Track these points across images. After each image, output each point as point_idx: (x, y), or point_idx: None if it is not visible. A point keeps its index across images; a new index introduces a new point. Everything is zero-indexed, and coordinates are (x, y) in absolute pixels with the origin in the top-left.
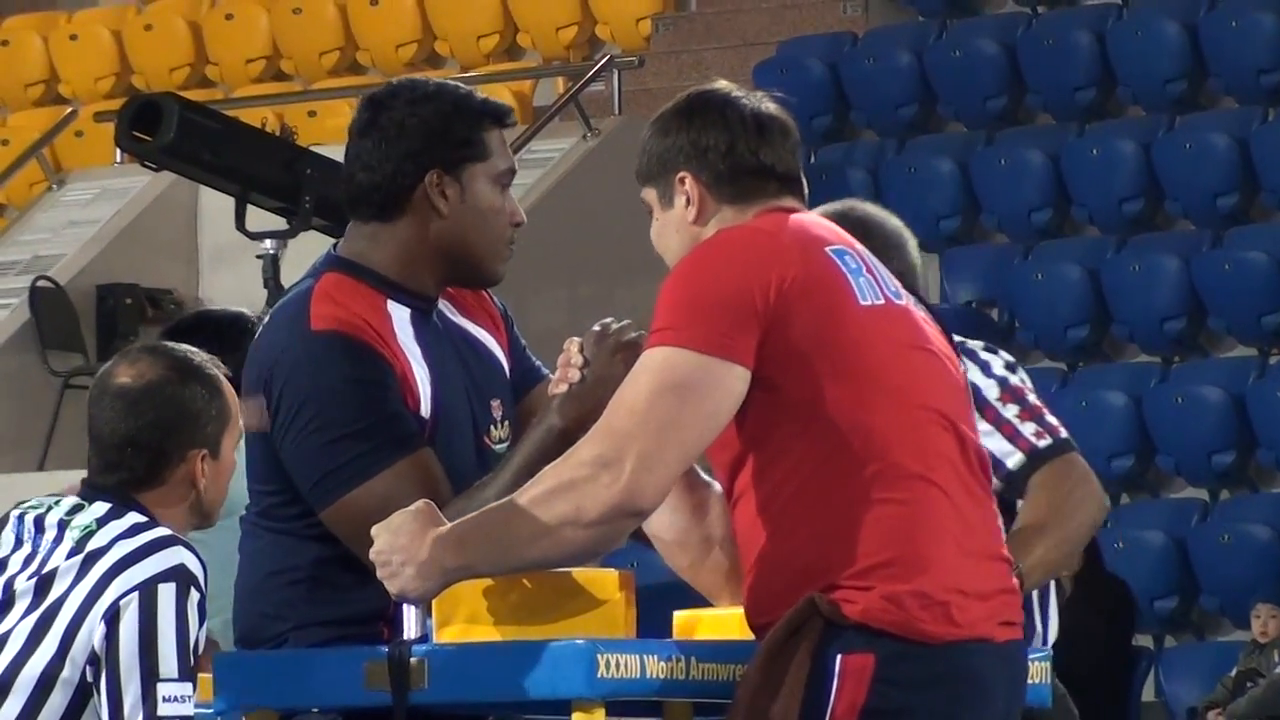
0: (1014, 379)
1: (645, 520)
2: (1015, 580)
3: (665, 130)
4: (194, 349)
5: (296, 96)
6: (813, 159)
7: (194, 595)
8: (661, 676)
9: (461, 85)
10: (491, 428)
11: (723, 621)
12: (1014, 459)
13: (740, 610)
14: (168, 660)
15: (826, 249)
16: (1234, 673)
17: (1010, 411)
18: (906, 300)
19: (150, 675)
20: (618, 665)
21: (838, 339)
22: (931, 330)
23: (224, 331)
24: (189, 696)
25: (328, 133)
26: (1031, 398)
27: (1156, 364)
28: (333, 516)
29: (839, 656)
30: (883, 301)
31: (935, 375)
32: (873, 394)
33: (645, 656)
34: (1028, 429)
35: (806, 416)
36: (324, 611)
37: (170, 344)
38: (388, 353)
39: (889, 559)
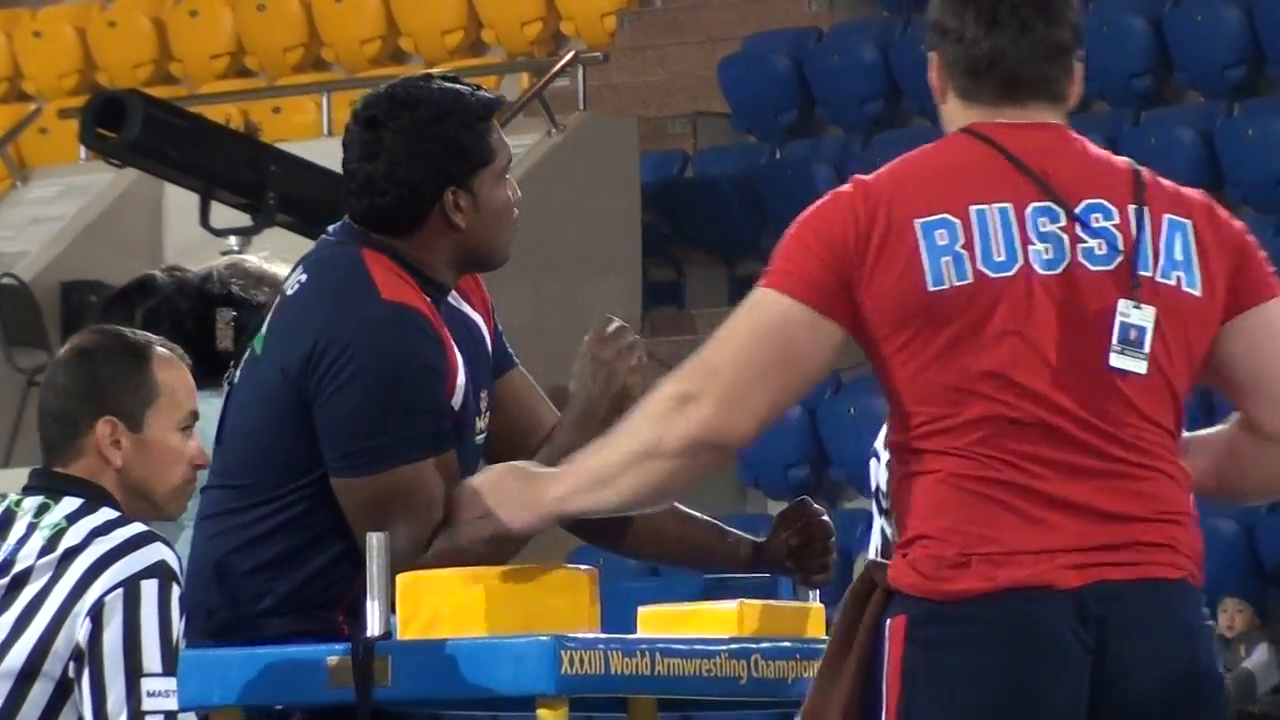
0: None
1: (728, 454)
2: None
3: (932, 3)
4: (149, 335)
5: (261, 93)
6: (778, 155)
7: (175, 590)
8: (626, 673)
9: (453, 85)
10: (477, 419)
11: (687, 617)
12: None
13: (704, 606)
14: (151, 656)
15: (918, 221)
16: None
17: None
18: (1076, 268)
19: (134, 671)
20: (582, 661)
21: (900, 325)
22: (1072, 302)
23: (125, 296)
24: (172, 691)
25: (292, 129)
26: None
27: None
28: (350, 487)
29: (886, 620)
30: (1007, 273)
31: (1013, 359)
32: (925, 378)
33: (609, 652)
34: None
35: (889, 395)
36: (285, 595)
37: (125, 330)
38: (444, 339)
39: (924, 530)
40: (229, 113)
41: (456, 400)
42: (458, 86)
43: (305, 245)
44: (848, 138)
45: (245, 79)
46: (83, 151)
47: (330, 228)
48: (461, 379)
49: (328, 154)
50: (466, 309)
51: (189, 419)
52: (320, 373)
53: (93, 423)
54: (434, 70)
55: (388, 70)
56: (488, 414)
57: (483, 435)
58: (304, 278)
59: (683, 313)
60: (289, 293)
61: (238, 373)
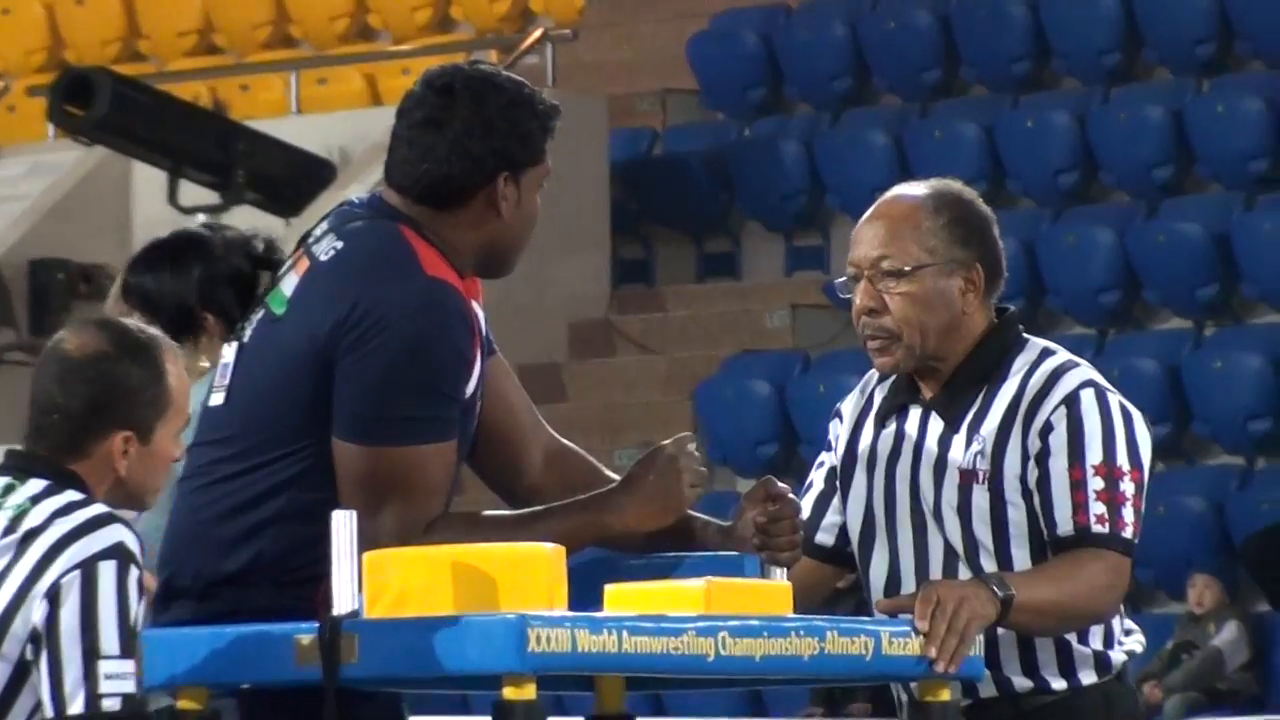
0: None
1: None
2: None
3: None
4: (154, 330)
5: (229, 70)
6: (747, 132)
7: (133, 572)
8: (593, 650)
9: (525, 82)
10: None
11: (655, 595)
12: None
13: (672, 584)
14: (109, 638)
15: None
16: (1170, 645)
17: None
18: None
19: (91, 653)
20: (549, 639)
21: None
22: None
23: (179, 253)
24: (130, 674)
25: (260, 107)
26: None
27: (1091, 337)
28: (349, 453)
29: None
30: None
31: None
32: None
33: (576, 630)
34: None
35: None
36: (267, 564)
37: (127, 321)
38: (475, 325)
39: None
40: (197, 90)
41: (469, 389)
42: (532, 87)
43: (272, 222)
44: (817, 115)
45: (213, 56)
46: (51, 129)
47: (354, 198)
48: (479, 368)
49: (296, 132)
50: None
51: (186, 424)
52: (353, 337)
53: (108, 433)
54: (402, 47)
55: (356, 48)
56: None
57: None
58: (339, 245)
59: (651, 290)
60: (322, 259)
61: (248, 333)
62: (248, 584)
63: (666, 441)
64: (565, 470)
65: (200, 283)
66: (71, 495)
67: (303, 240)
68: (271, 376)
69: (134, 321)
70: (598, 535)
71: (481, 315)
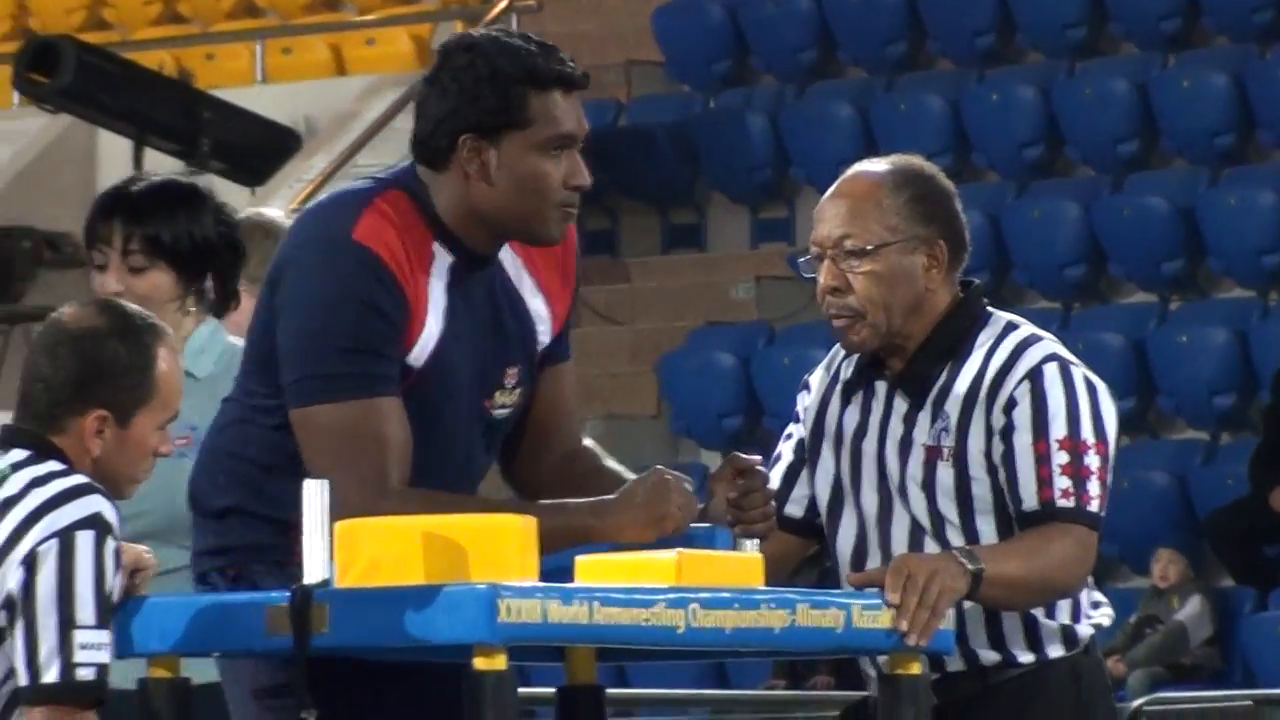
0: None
1: None
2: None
3: None
4: (156, 320)
5: (194, 39)
6: (712, 104)
7: (110, 543)
8: (564, 621)
9: (525, 45)
10: (496, 393)
11: (626, 567)
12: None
13: (643, 555)
14: (85, 608)
15: None
16: (1134, 620)
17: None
18: None
19: (67, 623)
20: (520, 610)
21: None
22: None
23: (187, 198)
24: (105, 644)
25: (226, 76)
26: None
27: (1057, 310)
28: (298, 418)
29: None
30: None
31: None
32: None
33: (547, 601)
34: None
35: None
36: (264, 503)
37: (131, 307)
38: (410, 290)
39: None
40: (162, 59)
41: (419, 356)
42: (525, 47)
43: (237, 191)
44: (782, 87)
45: (179, 25)
46: (15, 97)
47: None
48: (431, 339)
49: (261, 101)
50: (521, 285)
51: (172, 419)
52: (276, 296)
53: (85, 409)
54: (367, 17)
55: (321, 17)
56: (516, 391)
57: (504, 410)
58: (316, 205)
59: (616, 261)
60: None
61: None
62: (231, 520)
63: (664, 469)
64: (568, 470)
65: (217, 223)
66: (52, 465)
67: None
68: (254, 334)
69: (137, 307)
70: (578, 538)
71: (543, 304)
